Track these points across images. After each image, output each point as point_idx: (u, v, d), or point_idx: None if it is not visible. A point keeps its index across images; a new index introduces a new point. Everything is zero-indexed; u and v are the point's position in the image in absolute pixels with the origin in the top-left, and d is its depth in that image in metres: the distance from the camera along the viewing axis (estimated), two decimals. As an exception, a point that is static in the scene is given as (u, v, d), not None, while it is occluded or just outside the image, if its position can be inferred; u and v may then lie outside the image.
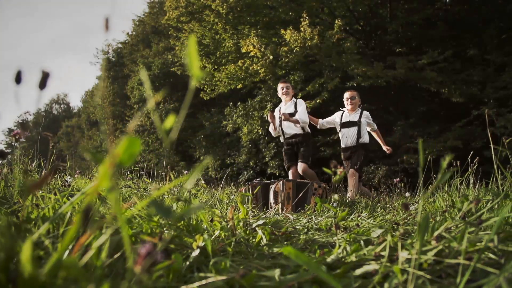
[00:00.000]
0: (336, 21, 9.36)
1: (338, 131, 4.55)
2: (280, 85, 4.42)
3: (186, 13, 11.74)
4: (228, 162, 13.26)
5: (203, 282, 0.57)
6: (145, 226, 0.99)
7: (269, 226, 1.38)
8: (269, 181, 3.58)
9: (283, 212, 2.33)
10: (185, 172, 3.76)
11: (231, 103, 12.97)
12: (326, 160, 11.08)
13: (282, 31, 9.55)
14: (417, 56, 9.33)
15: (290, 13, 10.58)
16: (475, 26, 10.07)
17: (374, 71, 8.95)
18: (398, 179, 2.04)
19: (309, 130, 4.38)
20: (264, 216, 1.69)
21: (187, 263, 0.83)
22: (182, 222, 1.07)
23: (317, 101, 9.84)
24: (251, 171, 12.57)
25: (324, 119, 4.68)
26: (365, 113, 4.43)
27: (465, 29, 10.18)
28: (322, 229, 1.47)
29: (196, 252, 0.84)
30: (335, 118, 4.58)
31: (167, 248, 0.91)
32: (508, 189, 1.22)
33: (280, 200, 3.17)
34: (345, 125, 4.41)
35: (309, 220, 1.69)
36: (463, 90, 9.05)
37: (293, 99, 4.38)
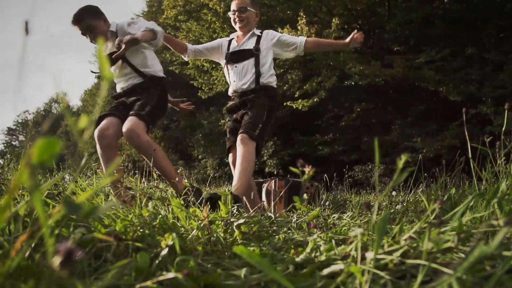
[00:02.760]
0: (334, 20, 9.35)
1: (224, 68, 2.68)
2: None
3: (184, 12, 11.76)
4: (227, 160, 13.25)
5: (154, 280, 0.57)
6: (119, 224, 0.99)
7: (252, 225, 1.38)
8: (262, 179, 3.58)
9: (268, 210, 2.33)
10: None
11: (229, 102, 12.95)
12: (324, 159, 11.07)
13: (280, 30, 9.53)
14: (415, 54, 9.32)
15: (288, 12, 10.57)
16: (474, 24, 10.05)
17: (371, 69, 8.94)
18: (386, 178, 2.05)
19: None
20: (246, 215, 1.69)
21: (157, 262, 0.83)
22: (157, 221, 1.07)
23: (315, 100, 9.83)
24: (249, 170, 12.56)
25: (199, 45, 2.79)
26: (270, 33, 2.61)
27: (464, 28, 10.16)
28: (304, 228, 1.47)
29: (165, 251, 0.84)
30: (219, 46, 2.71)
31: (138, 247, 0.91)
32: (487, 188, 1.22)
33: (272, 199, 3.17)
34: (234, 57, 2.56)
35: (296, 218, 1.69)
36: (461, 89, 9.04)
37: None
